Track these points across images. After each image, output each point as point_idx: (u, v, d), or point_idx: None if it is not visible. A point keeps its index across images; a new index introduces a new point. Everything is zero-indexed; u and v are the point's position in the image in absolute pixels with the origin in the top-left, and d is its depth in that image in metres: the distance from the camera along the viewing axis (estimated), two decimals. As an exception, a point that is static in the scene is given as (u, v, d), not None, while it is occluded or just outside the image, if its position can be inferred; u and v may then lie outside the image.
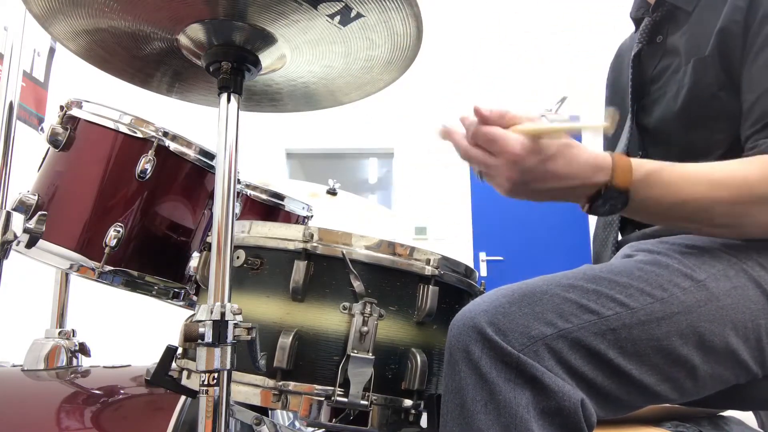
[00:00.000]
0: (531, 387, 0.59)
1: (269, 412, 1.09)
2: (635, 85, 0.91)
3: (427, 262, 0.75)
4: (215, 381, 0.61)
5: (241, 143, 0.69)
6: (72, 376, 1.00)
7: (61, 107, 0.98)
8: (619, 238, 0.91)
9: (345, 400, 0.68)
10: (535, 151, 0.66)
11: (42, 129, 2.13)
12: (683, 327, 0.66)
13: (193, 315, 0.64)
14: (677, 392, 0.68)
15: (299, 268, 0.71)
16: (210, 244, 0.68)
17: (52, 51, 2.22)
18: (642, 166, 0.69)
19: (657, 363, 0.65)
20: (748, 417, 1.20)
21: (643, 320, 0.64)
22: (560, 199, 0.70)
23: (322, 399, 0.69)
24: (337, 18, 0.68)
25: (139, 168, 0.94)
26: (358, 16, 0.68)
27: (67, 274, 1.12)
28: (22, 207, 0.91)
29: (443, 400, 0.63)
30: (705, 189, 0.68)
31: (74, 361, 1.06)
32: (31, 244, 0.90)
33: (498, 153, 0.66)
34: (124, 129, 0.95)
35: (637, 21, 0.97)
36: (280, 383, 0.69)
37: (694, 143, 0.81)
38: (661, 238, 0.80)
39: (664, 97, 0.85)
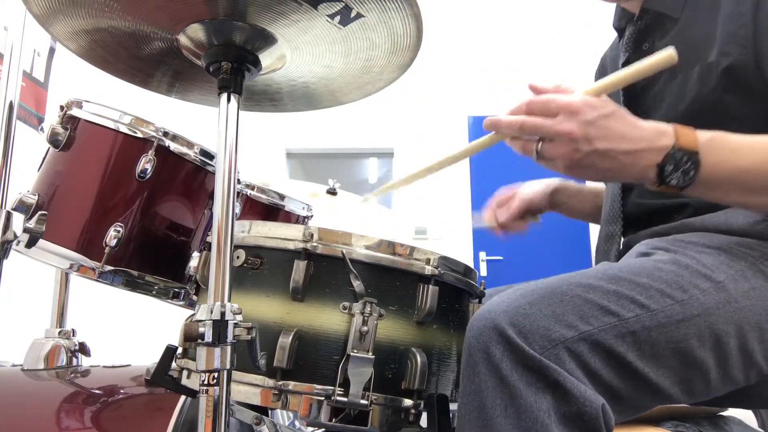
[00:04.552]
0: (552, 391, 0.58)
1: (269, 411, 1.09)
2: (627, 95, 0.90)
3: (427, 261, 0.75)
4: (215, 381, 0.61)
5: (241, 143, 0.69)
6: (72, 375, 1.00)
7: (61, 107, 0.98)
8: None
9: (345, 399, 0.68)
10: (594, 105, 0.66)
11: (42, 129, 2.13)
12: (702, 329, 0.65)
13: (193, 315, 0.64)
14: (688, 394, 0.67)
15: (299, 267, 0.71)
16: (210, 244, 0.68)
17: (52, 51, 2.22)
18: (703, 132, 0.67)
19: (673, 365, 0.64)
20: (748, 417, 1.20)
21: (662, 322, 0.64)
22: (627, 169, 0.67)
23: (322, 399, 0.69)
24: (337, 18, 0.68)
25: (139, 168, 0.94)
26: (358, 16, 0.68)
27: (67, 274, 1.12)
28: (22, 207, 0.91)
29: (460, 401, 0.62)
30: None
31: (74, 360, 1.06)
32: (31, 244, 0.90)
33: (556, 110, 0.66)
34: (124, 129, 0.95)
35: (620, 30, 0.97)
36: (280, 383, 0.69)
37: None
38: (675, 236, 0.79)
39: (662, 104, 0.85)
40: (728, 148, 0.67)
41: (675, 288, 0.66)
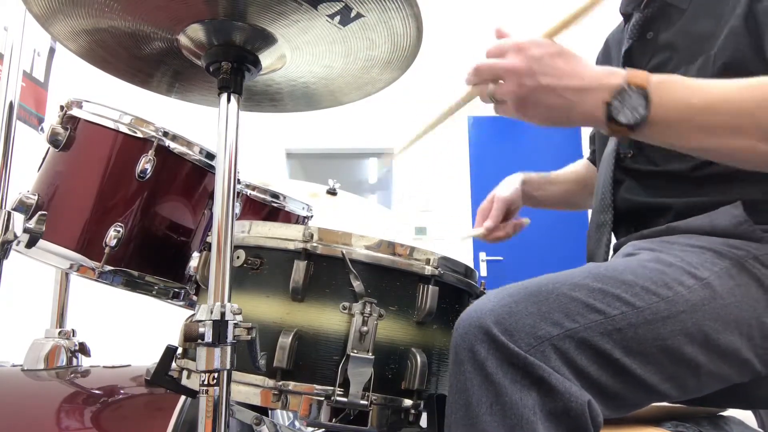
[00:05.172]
0: (538, 388, 0.58)
1: (269, 411, 1.09)
2: None
3: (427, 262, 0.75)
4: (215, 381, 0.61)
5: (241, 143, 0.69)
6: (72, 376, 1.00)
7: (61, 107, 0.98)
8: (613, 240, 0.91)
9: (345, 399, 0.68)
10: (541, 44, 0.68)
11: (42, 129, 2.13)
12: (688, 326, 0.65)
13: (193, 315, 0.64)
14: (679, 390, 0.68)
15: (299, 268, 0.71)
16: (210, 244, 0.68)
17: (52, 51, 2.21)
18: (658, 74, 0.66)
19: (661, 362, 0.65)
20: (748, 417, 1.20)
21: (648, 319, 0.64)
22: (575, 107, 0.66)
23: (322, 399, 0.69)
24: (337, 18, 0.68)
25: (139, 168, 0.94)
26: (358, 16, 0.68)
27: (67, 274, 1.12)
28: (22, 207, 0.91)
29: (448, 400, 0.62)
30: (738, 92, 0.64)
31: (74, 361, 1.05)
32: (31, 244, 0.90)
33: (505, 50, 0.69)
34: (124, 129, 0.95)
35: (626, 16, 0.97)
36: (280, 383, 0.69)
37: None
38: (661, 237, 0.80)
39: None
40: (681, 87, 0.66)
41: (660, 285, 0.66)
